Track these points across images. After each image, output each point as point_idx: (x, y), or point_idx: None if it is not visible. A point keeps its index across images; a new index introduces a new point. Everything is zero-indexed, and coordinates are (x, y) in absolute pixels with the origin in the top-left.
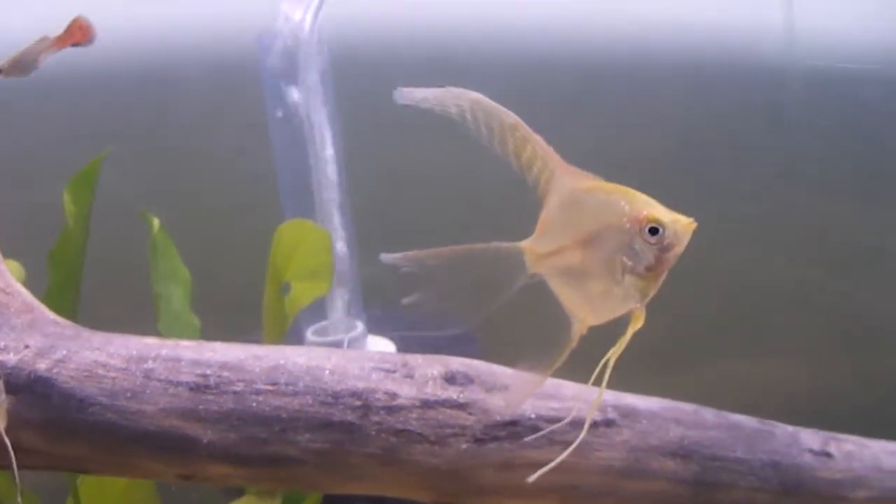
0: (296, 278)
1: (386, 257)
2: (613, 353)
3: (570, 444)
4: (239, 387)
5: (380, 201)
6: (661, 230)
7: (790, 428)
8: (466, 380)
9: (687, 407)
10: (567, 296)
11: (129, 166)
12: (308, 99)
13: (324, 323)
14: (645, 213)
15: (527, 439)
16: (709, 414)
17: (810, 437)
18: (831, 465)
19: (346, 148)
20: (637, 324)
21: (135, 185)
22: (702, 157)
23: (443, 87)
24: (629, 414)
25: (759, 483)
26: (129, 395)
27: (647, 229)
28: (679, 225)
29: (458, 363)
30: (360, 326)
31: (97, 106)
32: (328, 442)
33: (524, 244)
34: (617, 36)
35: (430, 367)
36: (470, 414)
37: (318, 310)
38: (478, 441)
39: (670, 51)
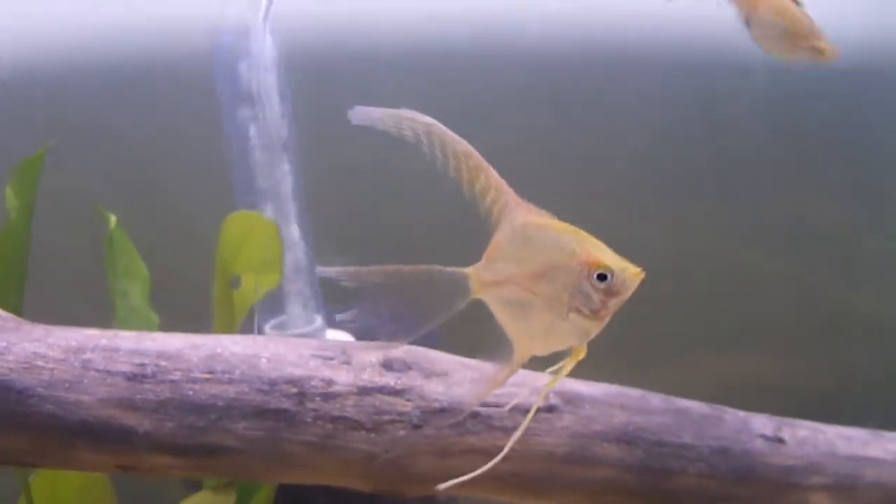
0: (246, 271)
1: (322, 271)
2: (551, 384)
3: (510, 429)
4: (176, 375)
5: (337, 194)
6: (609, 276)
7: (741, 413)
8: (404, 366)
9: (633, 392)
10: (509, 325)
11: (82, 162)
12: (261, 91)
13: (282, 318)
14: (595, 257)
15: (467, 425)
16: (656, 399)
17: (762, 423)
18: (784, 451)
19: (302, 140)
20: (577, 357)
21: (88, 181)
22: (677, 151)
23: (398, 108)
24: (572, 400)
25: (709, 470)
26: (66, 385)
27: (595, 274)
28: (627, 273)
29: (398, 350)
30: (318, 320)
31: (43, 100)
32: (264, 430)
33: (469, 270)
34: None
35: (369, 353)
36: (407, 400)
37: (276, 304)
38: (415, 427)
39: (646, 42)
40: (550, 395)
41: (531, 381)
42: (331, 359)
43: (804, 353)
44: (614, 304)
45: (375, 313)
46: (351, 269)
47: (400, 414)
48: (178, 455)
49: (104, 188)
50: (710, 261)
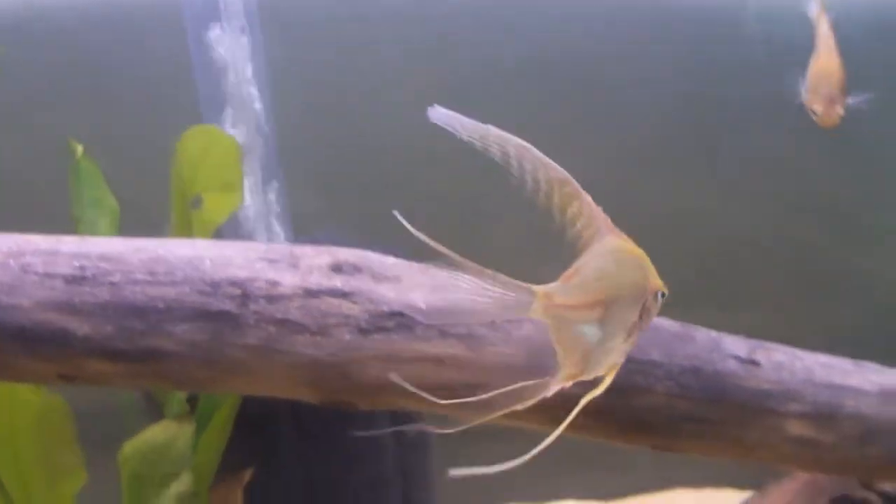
0: (207, 190)
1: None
2: (587, 399)
3: (463, 336)
4: (116, 277)
5: (307, 136)
6: (664, 294)
7: (713, 333)
8: (354, 269)
9: None
10: (566, 347)
11: (53, 99)
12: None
13: None
14: (657, 279)
15: (417, 331)
16: None
17: (735, 344)
18: (759, 374)
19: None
20: (610, 378)
21: (59, 118)
22: (674, 110)
23: (483, 123)
24: None
25: (678, 389)
26: (6, 289)
27: (658, 293)
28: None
29: (348, 253)
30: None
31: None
32: (205, 332)
33: (538, 289)
34: None
35: (318, 257)
36: (354, 303)
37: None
38: (362, 332)
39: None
40: None
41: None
42: (277, 261)
43: (800, 313)
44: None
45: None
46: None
47: (346, 317)
48: (118, 360)
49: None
50: (708, 219)
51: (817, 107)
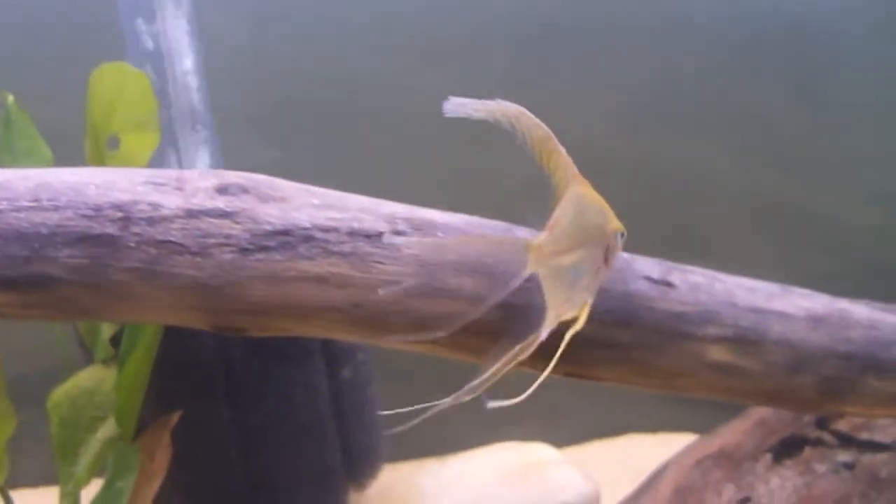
0: (124, 130)
1: None
2: (573, 330)
3: (348, 255)
4: (2, 205)
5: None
6: (623, 234)
7: (625, 255)
8: (240, 190)
9: (499, 224)
10: (554, 292)
11: None
12: None
13: None
14: (615, 221)
15: (300, 249)
16: (521, 231)
17: (648, 265)
18: (673, 295)
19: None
20: (585, 316)
21: None
22: (641, 64)
23: (492, 99)
24: (423, 227)
25: None
26: None
27: (618, 234)
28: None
29: (237, 176)
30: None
31: None
32: (87, 257)
33: (533, 242)
34: None
35: (206, 179)
36: (237, 223)
37: None
38: (244, 251)
39: None
40: (398, 220)
41: (378, 208)
42: (163, 185)
43: (767, 259)
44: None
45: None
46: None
47: (227, 237)
48: (6, 289)
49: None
50: (693, 171)
51: None
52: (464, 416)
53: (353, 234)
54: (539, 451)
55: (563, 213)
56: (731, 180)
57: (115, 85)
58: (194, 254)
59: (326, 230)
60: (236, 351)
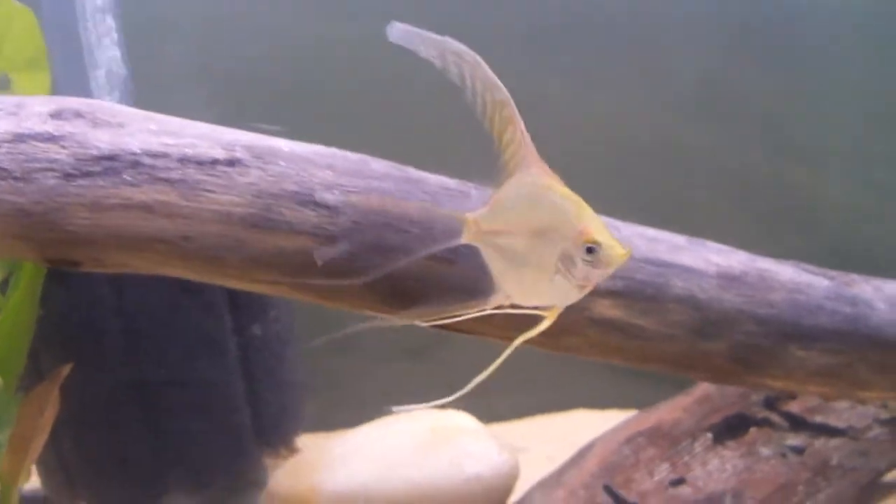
0: (14, 69)
1: None
2: (516, 343)
3: (176, 182)
4: None
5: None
6: (596, 250)
7: None
8: (74, 115)
9: (352, 155)
10: (500, 271)
11: None
12: None
13: None
14: (588, 230)
15: (125, 175)
16: (379, 164)
17: None
18: None
19: None
20: (551, 319)
21: None
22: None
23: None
24: (264, 154)
25: (442, 253)
26: None
27: (585, 246)
28: (614, 251)
29: (78, 101)
30: None
31: None
32: None
33: (469, 216)
34: None
35: (44, 105)
36: (63, 147)
37: None
38: (67, 176)
39: None
40: (237, 147)
41: (215, 134)
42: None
43: (743, 234)
44: (597, 277)
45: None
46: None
47: (52, 161)
48: None
49: None
50: (650, 139)
51: None
52: (407, 389)
53: (184, 160)
54: (456, 419)
55: (506, 195)
56: (717, 158)
57: (2, 20)
58: (17, 179)
59: (156, 156)
60: (133, 301)
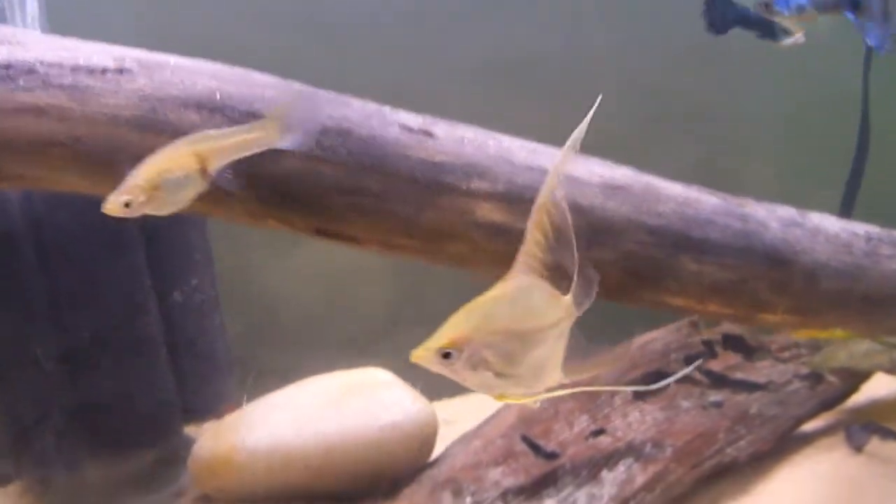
0: None
1: None
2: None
3: (68, 88)
4: None
5: None
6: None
7: (386, 108)
8: None
9: (237, 68)
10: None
11: None
12: None
13: None
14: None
15: (20, 81)
16: (262, 75)
17: (407, 115)
18: (431, 145)
19: None
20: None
21: None
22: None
23: None
24: (152, 65)
25: (321, 151)
26: None
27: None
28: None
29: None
30: None
31: None
32: None
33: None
34: None
35: None
36: None
37: None
38: None
39: None
40: (127, 59)
41: (108, 49)
42: None
43: None
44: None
45: None
46: None
47: None
48: None
49: None
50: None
51: None
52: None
53: (76, 69)
54: (373, 374)
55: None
56: None
57: None
58: None
59: (50, 65)
60: (54, 260)
